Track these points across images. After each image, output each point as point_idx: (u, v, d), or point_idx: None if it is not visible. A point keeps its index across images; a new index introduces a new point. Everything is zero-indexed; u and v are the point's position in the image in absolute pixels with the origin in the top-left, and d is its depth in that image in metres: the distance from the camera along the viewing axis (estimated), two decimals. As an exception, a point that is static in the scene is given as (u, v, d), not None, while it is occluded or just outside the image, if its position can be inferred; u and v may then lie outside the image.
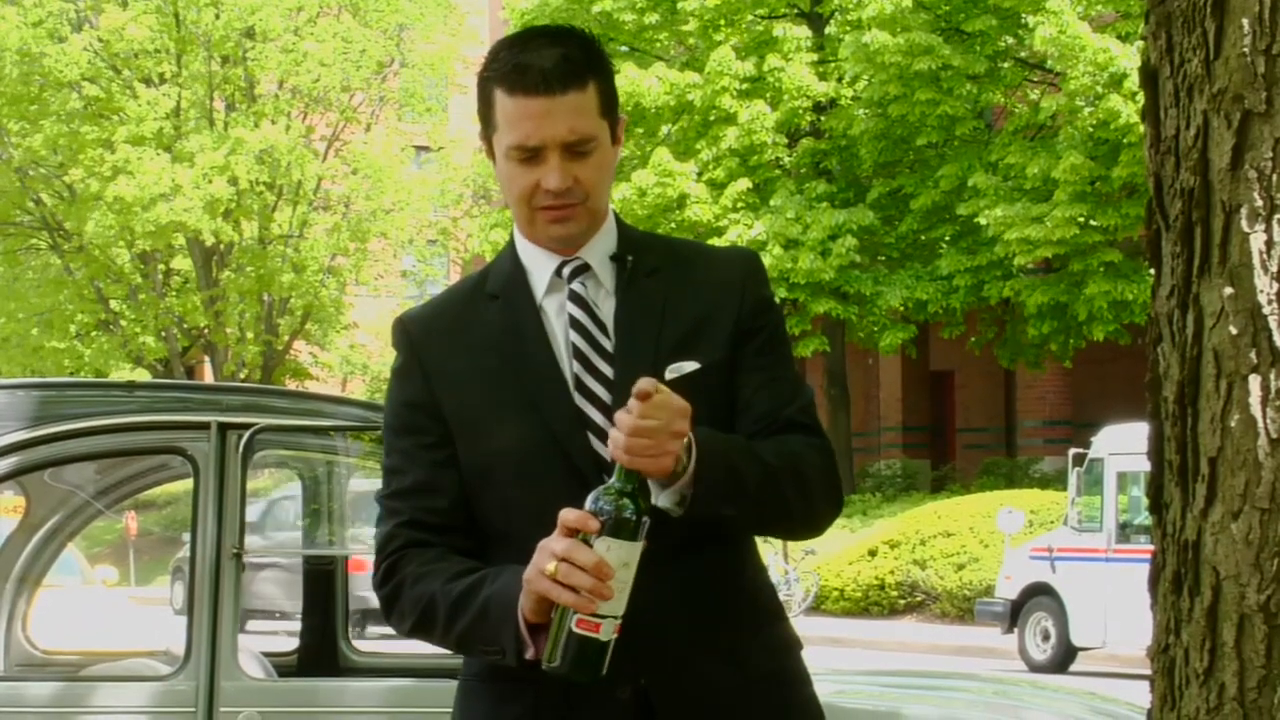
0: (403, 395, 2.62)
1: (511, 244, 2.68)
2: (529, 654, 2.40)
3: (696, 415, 2.44)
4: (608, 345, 2.57)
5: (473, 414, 2.57)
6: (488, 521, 2.57)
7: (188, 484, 4.76)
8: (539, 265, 2.63)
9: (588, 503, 2.35)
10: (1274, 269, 2.03)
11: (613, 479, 2.36)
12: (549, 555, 2.33)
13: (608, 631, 2.32)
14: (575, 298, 2.59)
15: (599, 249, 2.62)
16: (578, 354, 2.56)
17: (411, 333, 2.65)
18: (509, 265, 2.66)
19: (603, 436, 2.49)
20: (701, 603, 2.54)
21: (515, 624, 2.40)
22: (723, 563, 2.59)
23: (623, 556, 2.32)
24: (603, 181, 2.60)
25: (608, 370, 2.55)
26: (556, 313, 2.60)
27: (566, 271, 2.60)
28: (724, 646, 2.55)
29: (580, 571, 2.30)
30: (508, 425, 2.55)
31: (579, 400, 2.54)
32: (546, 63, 2.52)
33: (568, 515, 2.33)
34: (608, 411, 2.51)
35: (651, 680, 2.50)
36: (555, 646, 2.34)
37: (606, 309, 2.60)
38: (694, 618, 2.53)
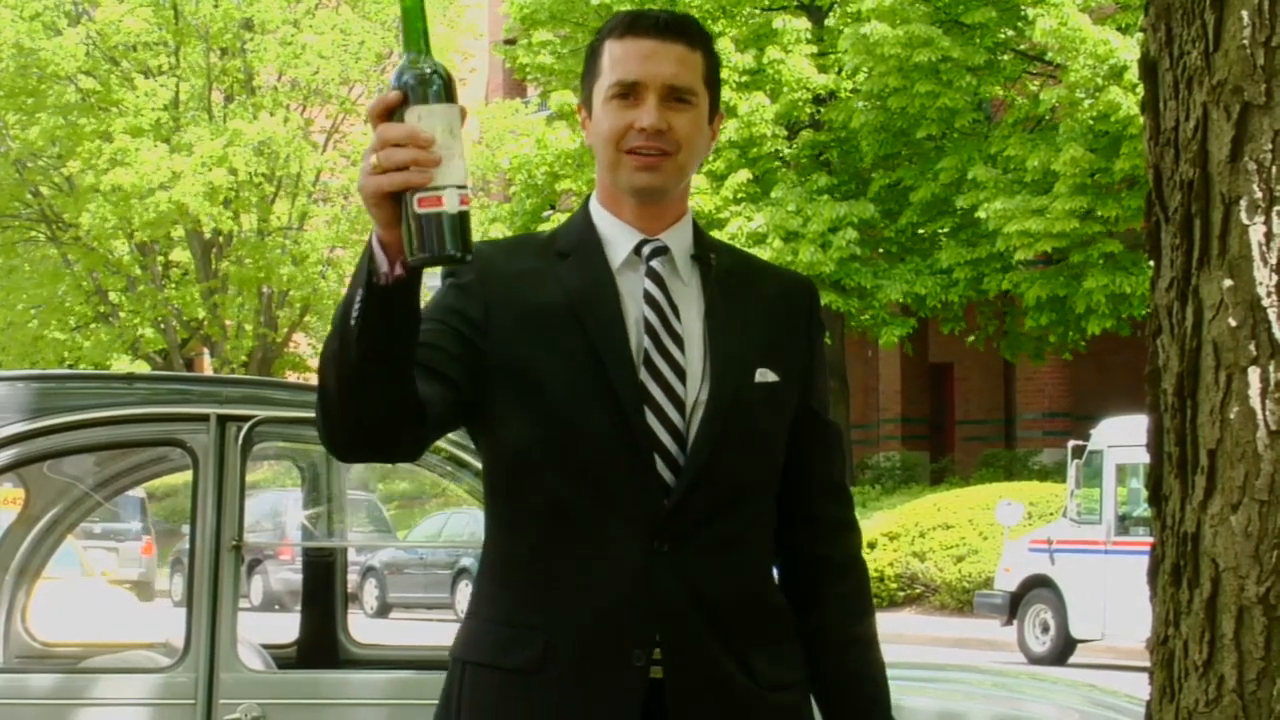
0: (455, 302, 2.54)
1: (585, 211, 2.67)
2: (384, 270, 2.25)
3: (762, 427, 2.58)
4: (678, 328, 2.58)
5: (530, 363, 2.53)
6: (526, 474, 2.54)
7: (187, 476, 4.76)
8: (616, 238, 2.63)
9: (392, 80, 2.23)
10: (1273, 261, 2.03)
11: (405, 55, 2.24)
12: (369, 155, 2.22)
13: (452, 201, 2.19)
14: (653, 274, 2.60)
15: (678, 238, 2.64)
16: (649, 330, 2.57)
17: (481, 260, 2.55)
18: (581, 229, 2.65)
19: (660, 414, 2.53)
20: (723, 604, 2.55)
21: (370, 251, 2.26)
22: (748, 572, 2.60)
23: (438, 121, 2.20)
24: (696, 143, 2.61)
25: (675, 352, 2.57)
26: (628, 288, 2.60)
27: (646, 250, 2.61)
28: (739, 651, 2.56)
29: (399, 148, 2.18)
30: (572, 385, 2.53)
31: (643, 375, 2.54)
32: (662, 16, 2.62)
33: (372, 105, 2.23)
34: (670, 391, 2.54)
35: (663, 661, 2.51)
36: (410, 238, 2.20)
37: (681, 297, 2.61)
38: (714, 615, 2.54)
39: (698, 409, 2.55)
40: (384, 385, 2.35)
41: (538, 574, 2.54)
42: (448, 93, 2.22)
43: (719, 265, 2.65)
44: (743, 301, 2.64)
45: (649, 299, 2.59)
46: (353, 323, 2.29)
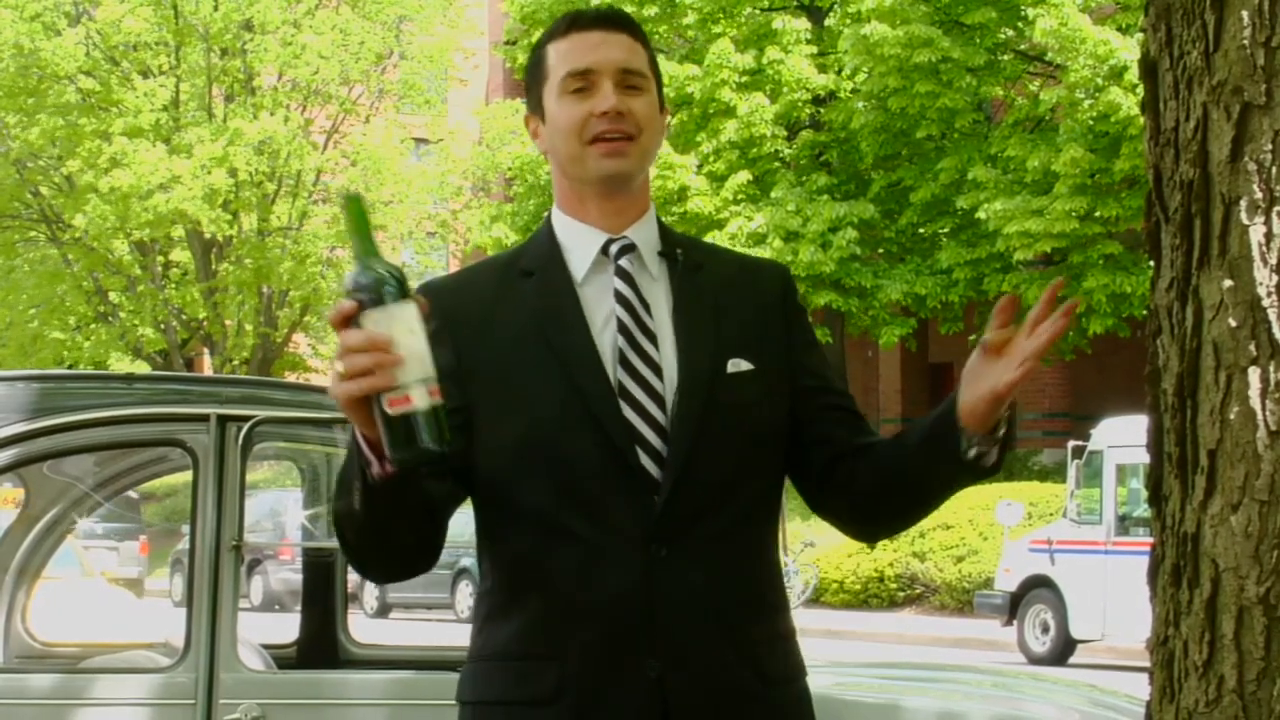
0: None
1: (548, 224, 2.68)
2: (375, 470, 2.33)
3: (741, 416, 2.56)
4: (650, 324, 2.58)
5: (506, 389, 2.54)
6: (515, 498, 2.54)
7: (187, 476, 4.76)
8: (581, 243, 2.63)
9: (346, 289, 2.31)
10: (1273, 261, 2.03)
11: (355, 262, 2.31)
12: (335, 363, 2.29)
13: (420, 398, 2.26)
14: (622, 273, 2.60)
15: (644, 235, 2.65)
16: (622, 328, 2.57)
17: (442, 300, 2.58)
18: (545, 244, 2.66)
19: (641, 411, 2.53)
20: (723, 600, 2.54)
21: (358, 449, 2.35)
22: (746, 567, 2.59)
23: (395, 322, 2.27)
24: (654, 126, 2.62)
25: (650, 348, 2.57)
26: (599, 290, 2.60)
27: (614, 249, 2.62)
28: (739, 647, 2.54)
29: (359, 354, 2.24)
30: (546, 402, 2.53)
31: (620, 374, 2.54)
32: (602, 11, 2.65)
33: (330, 315, 2.30)
34: (648, 387, 2.54)
35: (668, 665, 2.49)
36: (387, 440, 2.29)
37: (651, 293, 2.61)
38: (714, 612, 2.53)
39: (676, 404, 2.55)
40: (399, 534, 2.47)
41: (539, 598, 2.53)
42: (402, 292, 2.29)
43: (686, 259, 2.65)
44: (712, 294, 2.64)
45: (620, 298, 2.59)
46: (357, 507, 2.39)
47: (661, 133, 2.66)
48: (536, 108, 2.65)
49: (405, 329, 2.27)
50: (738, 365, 2.59)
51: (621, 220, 2.63)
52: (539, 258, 2.64)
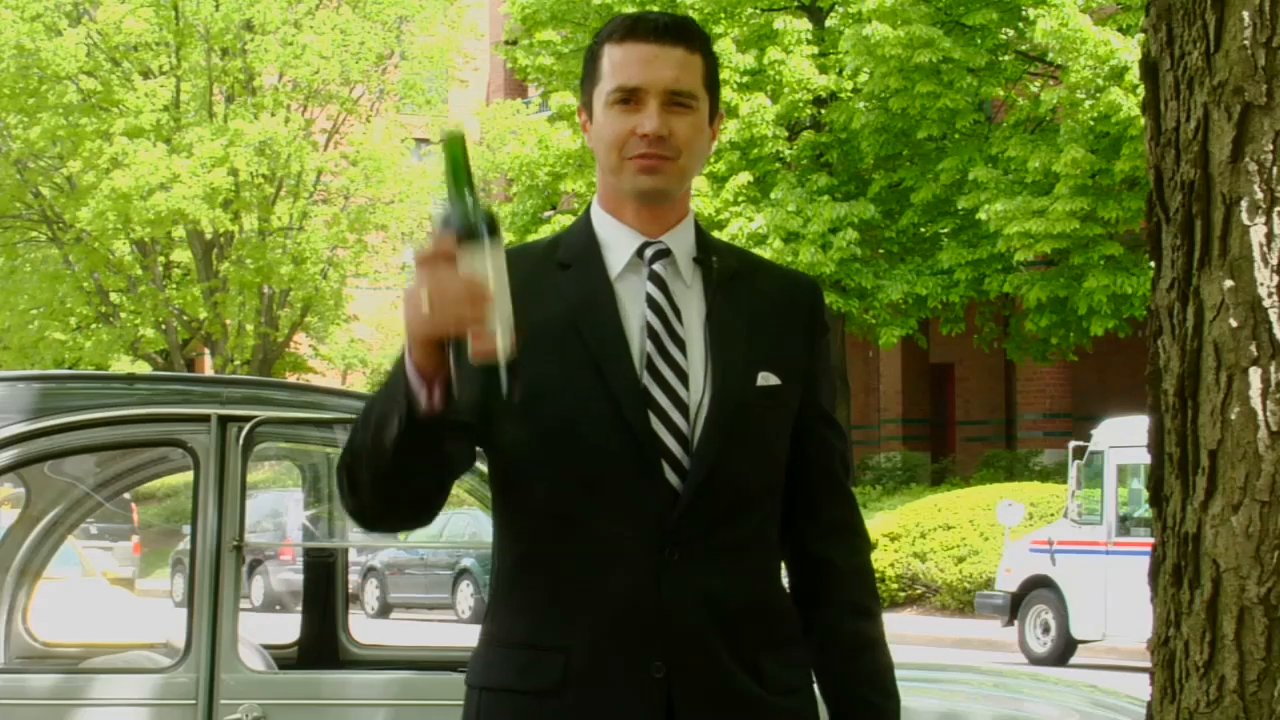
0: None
1: (587, 218, 2.68)
2: (424, 404, 2.30)
3: (765, 431, 2.58)
4: (680, 331, 2.58)
5: (537, 379, 2.51)
6: (535, 485, 2.54)
7: (188, 476, 4.76)
8: (618, 242, 2.63)
9: (441, 222, 2.28)
10: (1274, 261, 2.03)
11: (451, 195, 2.29)
12: (417, 294, 2.24)
13: (504, 343, 2.25)
14: (655, 278, 2.60)
15: (681, 241, 2.64)
16: (652, 334, 2.57)
17: None
18: (582, 237, 2.65)
19: (664, 418, 2.53)
20: (732, 609, 2.54)
21: (404, 376, 2.30)
22: (756, 576, 2.60)
23: (489, 263, 2.26)
24: (696, 146, 2.61)
25: (678, 355, 2.57)
26: (630, 292, 2.60)
27: (649, 253, 2.62)
28: (747, 656, 2.55)
29: (455, 290, 2.22)
30: (573, 394, 2.53)
31: (645, 379, 2.54)
32: (661, 19, 2.62)
33: (423, 249, 2.26)
34: (673, 395, 2.54)
35: (674, 667, 2.50)
36: (459, 378, 2.26)
37: (683, 299, 2.61)
38: (723, 620, 2.53)
39: (701, 412, 2.55)
40: (417, 479, 2.44)
41: (549, 589, 2.53)
42: (494, 233, 2.28)
43: (721, 267, 2.65)
44: (745, 304, 2.64)
45: (651, 302, 2.59)
46: (389, 444, 2.36)
47: (707, 148, 2.65)
48: (587, 104, 2.65)
49: (497, 269, 2.25)
50: (767, 379, 2.59)
51: (658, 226, 2.63)
52: (576, 250, 2.64)
